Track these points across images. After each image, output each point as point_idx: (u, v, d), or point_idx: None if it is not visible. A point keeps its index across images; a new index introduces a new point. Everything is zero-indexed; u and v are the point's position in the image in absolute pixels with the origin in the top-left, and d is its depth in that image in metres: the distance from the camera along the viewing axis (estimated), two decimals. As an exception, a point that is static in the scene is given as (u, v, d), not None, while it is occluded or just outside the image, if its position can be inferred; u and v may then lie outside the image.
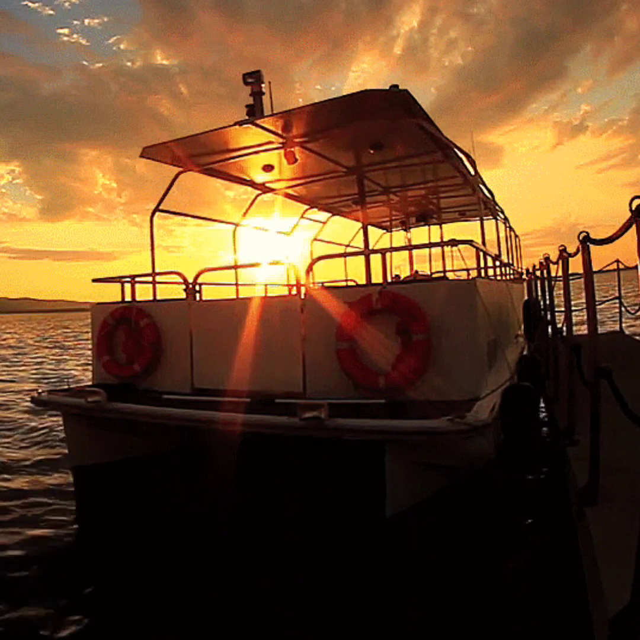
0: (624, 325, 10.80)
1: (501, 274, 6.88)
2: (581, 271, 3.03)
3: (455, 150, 5.45)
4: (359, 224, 8.98)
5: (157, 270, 5.80)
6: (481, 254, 5.20)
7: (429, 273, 10.43)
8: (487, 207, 7.28)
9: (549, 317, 6.62)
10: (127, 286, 5.48)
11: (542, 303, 7.65)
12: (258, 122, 4.92)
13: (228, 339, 4.56)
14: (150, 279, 5.74)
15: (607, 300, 11.69)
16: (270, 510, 3.98)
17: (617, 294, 10.54)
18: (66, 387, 5.46)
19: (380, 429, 3.23)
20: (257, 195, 7.47)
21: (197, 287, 5.27)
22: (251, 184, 7.20)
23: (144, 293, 5.60)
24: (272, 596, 2.95)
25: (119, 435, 4.64)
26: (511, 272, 8.66)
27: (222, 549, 3.49)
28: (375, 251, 6.66)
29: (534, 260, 17.85)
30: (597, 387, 2.61)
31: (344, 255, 7.79)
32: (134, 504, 4.31)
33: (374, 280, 5.91)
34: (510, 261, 8.84)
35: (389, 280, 7.54)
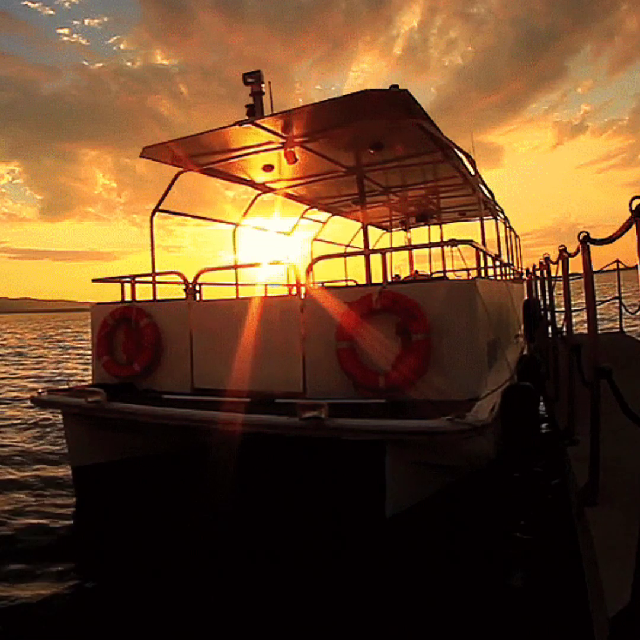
0: (624, 325, 10.80)
1: (501, 274, 6.88)
2: (581, 271, 3.03)
3: (455, 150, 5.44)
4: (359, 224, 8.98)
5: (157, 270, 5.81)
6: (481, 254, 5.20)
7: (429, 273, 10.43)
8: (487, 207, 7.28)
9: (549, 317, 6.61)
10: (127, 286, 5.49)
11: (542, 303, 7.64)
12: (258, 122, 4.92)
13: (228, 339, 4.56)
14: (150, 279, 5.75)
15: (607, 300, 11.68)
16: (270, 510, 3.98)
17: (617, 294, 10.53)
18: (66, 387, 5.45)
19: (380, 428, 3.24)
20: (257, 195, 7.48)
21: (197, 287, 5.27)
22: (251, 184, 7.20)
23: (144, 293, 5.61)
24: (272, 596, 2.95)
25: (119, 435, 4.64)
26: (511, 272, 8.65)
27: (222, 549, 3.49)
28: (375, 251, 6.65)
29: (534, 260, 17.84)
30: (597, 387, 2.61)
31: (344, 255, 7.79)
32: (134, 504, 4.31)
33: (374, 280, 5.91)
34: (510, 261, 8.84)
35: (389, 280, 7.54)
